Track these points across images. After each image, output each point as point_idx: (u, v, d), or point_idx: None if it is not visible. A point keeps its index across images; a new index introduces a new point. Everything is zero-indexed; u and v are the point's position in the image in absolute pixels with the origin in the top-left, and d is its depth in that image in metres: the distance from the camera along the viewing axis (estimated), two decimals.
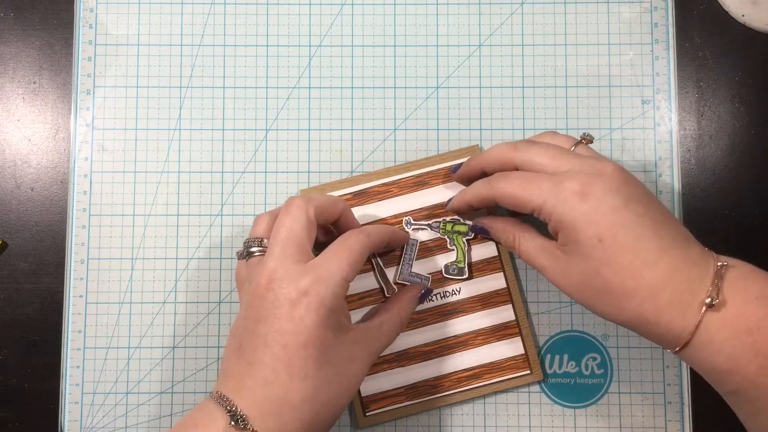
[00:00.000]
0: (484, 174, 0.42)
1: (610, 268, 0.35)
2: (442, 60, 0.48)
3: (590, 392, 0.46)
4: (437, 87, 0.48)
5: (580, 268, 0.36)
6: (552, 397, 0.46)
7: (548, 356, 0.46)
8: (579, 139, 0.40)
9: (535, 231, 0.40)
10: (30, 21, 0.48)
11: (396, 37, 0.48)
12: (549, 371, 0.46)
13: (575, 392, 0.46)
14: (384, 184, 0.46)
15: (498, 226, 0.42)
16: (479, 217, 0.44)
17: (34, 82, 0.48)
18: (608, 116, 0.47)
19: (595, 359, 0.46)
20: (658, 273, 0.34)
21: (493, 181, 0.39)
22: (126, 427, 0.46)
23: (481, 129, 0.47)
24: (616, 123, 0.47)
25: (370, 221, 0.45)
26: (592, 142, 0.40)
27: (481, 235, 0.44)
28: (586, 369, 0.46)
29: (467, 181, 0.44)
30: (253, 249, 0.39)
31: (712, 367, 0.34)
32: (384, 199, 0.45)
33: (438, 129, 0.47)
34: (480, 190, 0.41)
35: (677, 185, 0.47)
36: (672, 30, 0.48)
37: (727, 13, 0.48)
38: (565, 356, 0.46)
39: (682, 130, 0.48)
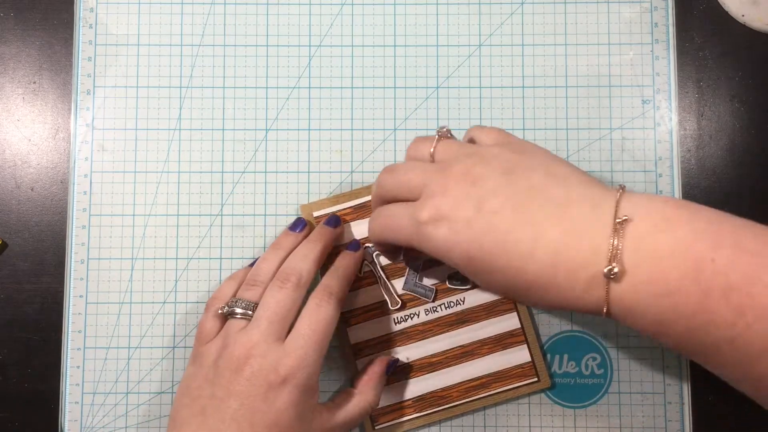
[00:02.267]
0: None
1: (494, 276, 0.33)
2: (442, 60, 0.48)
3: (590, 392, 0.46)
4: (437, 87, 0.48)
5: (482, 282, 0.35)
6: (552, 397, 0.46)
7: (548, 356, 0.46)
8: (436, 135, 0.38)
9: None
10: (30, 21, 0.48)
11: (396, 37, 0.48)
12: (549, 371, 0.46)
13: (575, 392, 0.46)
14: None
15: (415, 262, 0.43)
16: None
17: (34, 82, 0.48)
18: (608, 116, 0.47)
19: (595, 359, 0.46)
20: (540, 263, 0.31)
21: (372, 220, 0.39)
22: (126, 427, 0.46)
23: None
24: (616, 123, 0.47)
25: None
26: (449, 134, 0.38)
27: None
28: (586, 369, 0.46)
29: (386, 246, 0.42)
30: (238, 311, 0.39)
31: (642, 330, 0.32)
32: None
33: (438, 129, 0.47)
34: (370, 232, 0.40)
35: (677, 185, 0.47)
36: (672, 30, 0.48)
37: (727, 13, 0.48)
38: (565, 356, 0.46)
39: (682, 130, 0.48)
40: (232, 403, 0.36)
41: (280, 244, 0.43)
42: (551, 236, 0.31)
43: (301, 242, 0.43)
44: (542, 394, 0.45)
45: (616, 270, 0.30)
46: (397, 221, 0.36)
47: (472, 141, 0.39)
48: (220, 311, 0.40)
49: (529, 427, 0.46)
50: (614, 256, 0.30)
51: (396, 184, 0.37)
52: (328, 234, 0.43)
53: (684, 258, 0.29)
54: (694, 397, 0.45)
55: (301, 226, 0.44)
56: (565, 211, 0.32)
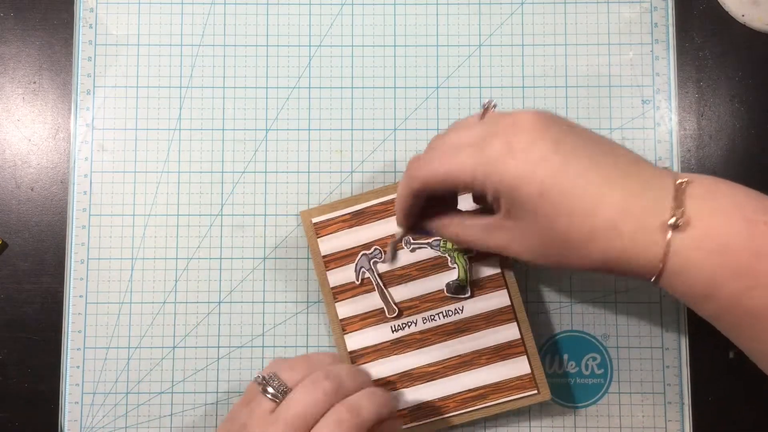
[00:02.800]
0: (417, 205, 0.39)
1: (561, 219, 0.32)
2: (442, 60, 0.48)
3: (590, 392, 0.46)
4: (437, 87, 0.48)
5: (533, 229, 0.34)
6: (552, 397, 0.46)
7: (548, 356, 0.46)
8: (483, 107, 0.37)
9: (471, 214, 0.38)
10: (30, 21, 0.48)
11: (396, 37, 0.48)
12: (549, 371, 0.46)
13: (575, 392, 0.46)
14: (383, 203, 0.45)
15: (436, 222, 0.40)
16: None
17: (34, 82, 0.48)
18: (608, 116, 0.47)
19: (595, 359, 0.46)
20: (612, 206, 0.32)
21: (411, 170, 0.36)
22: (126, 427, 0.46)
23: None
24: (616, 123, 0.47)
25: (370, 242, 0.45)
26: (495, 106, 0.37)
27: (422, 234, 0.42)
28: (586, 369, 0.46)
29: (413, 222, 0.41)
30: (269, 391, 0.37)
31: (690, 292, 0.32)
32: (383, 219, 0.45)
33: (438, 129, 0.47)
34: (404, 189, 0.37)
35: None
36: (672, 30, 0.48)
37: (727, 13, 0.48)
38: (565, 356, 0.46)
39: (682, 130, 0.48)
40: None
41: (343, 362, 0.41)
42: (623, 184, 0.32)
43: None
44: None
45: (681, 221, 0.31)
46: (457, 154, 0.34)
47: None
48: (255, 379, 0.38)
49: (529, 427, 0.46)
50: (679, 208, 0.31)
51: (454, 135, 0.35)
52: (393, 408, 0.40)
53: (737, 218, 0.30)
54: (694, 397, 0.45)
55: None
56: (636, 168, 0.33)
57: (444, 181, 0.35)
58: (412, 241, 0.45)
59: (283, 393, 0.37)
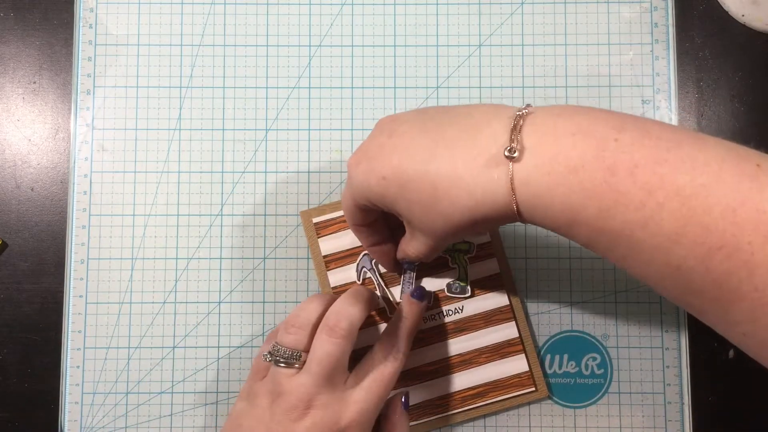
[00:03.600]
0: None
1: (408, 194, 0.33)
2: (442, 60, 0.48)
3: (590, 392, 0.46)
4: (437, 87, 0.48)
5: (403, 209, 0.34)
6: (552, 397, 0.46)
7: (548, 356, 0.46)
8: None
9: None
10: (30, 21, 0.48)
11: (396, 37, 0.48)
12: (549, 371, 0.46)
13: (575, 392, 0.46)
14: None
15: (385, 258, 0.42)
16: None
17: (34, 82, 0.48)
18: None
19: (595, 359, 0.46)
20: (440, 160, 0.32)
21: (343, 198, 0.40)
22: (126, 427, 0.46)
23: None
24: None
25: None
26: None
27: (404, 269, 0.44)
28: (586, 369, 0.46)
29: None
30: (281, 362, 0.37)
31: (553, 222, 0.30)
32: None
33: None
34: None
35: None
36: (672, 30, 0.48)
37: (727, 13, 0.48)
38: (565, 356, 0.46)
39: None
40: None
41: (322, 295, 0.42)
42: (450, 134, 0.32)
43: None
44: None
45: (515, 147, 0.30)
46: (343, 195, 0.38)
47: None
48: (264, 359, 0.39)
49: (529, 427, 0.46)
50: (512, 138, 0.30)
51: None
52: (366, 293, 0.41)
53: (584, 136, 0.29)
54: (694, 397, 0.45)
55: (423, 298, 0.43)
56: (468, 123, 0.32)
57: (351, 217, 0.39)
58: None
59: (295, 357, 0.37)
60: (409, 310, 0.41)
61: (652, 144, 0.28)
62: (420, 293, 0.42)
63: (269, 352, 0.38)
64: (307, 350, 0.37)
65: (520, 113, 0.31)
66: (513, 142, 0.30)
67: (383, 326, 0.45)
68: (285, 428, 0.36)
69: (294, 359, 0.37)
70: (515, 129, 0.30)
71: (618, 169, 0.28)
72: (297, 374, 0.37)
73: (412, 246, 0.37)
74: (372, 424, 0.38)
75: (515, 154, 0.30)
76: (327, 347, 0.37)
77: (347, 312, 0.38)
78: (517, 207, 0.31)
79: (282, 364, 0.37)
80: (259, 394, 0.38)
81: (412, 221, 0.35)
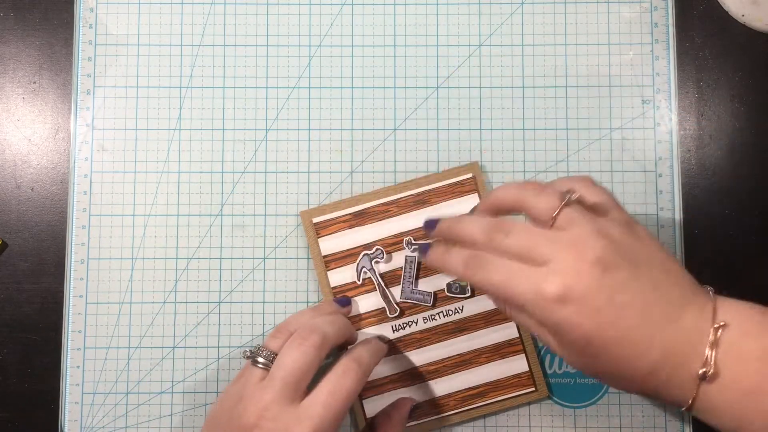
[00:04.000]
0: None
1: (603, 361, 0.34)
2: (442, 60, 0.48)
3: (590, 392, 0.46)
4: (437, 87, 0.48)
5: (575, 358, 0.35)
6: (552, 397, 0.46)
7: (548, 356, 0.46)
8: (566, 197, 0.35)
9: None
10: (30, 21, 0.48)
11: (396, 37, 0.48)
12: (549, 371, 0.46)
13: (575, 392, 0.46)
14: (384, 204, 0.45)
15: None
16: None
17: (34, 82, 0.48)
18: (608, 116, 0.47)
19: None
20: (651, 359, 0.33)
21: (470, 267, 0.36)
22: (126, 427, 0.46)
23: (481, 129, 0.47)
24: (616, 123, 0.47)
25: (370, 242, 0.45)
26: (577, 198, 0.36)
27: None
28: None
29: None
30: (260, 360, 0.38)
31: (720, 426, 0.34)
32: (384, 219, 0.45)
33: (438, 129, 0.47)
34: (453, 268, 0.38)
35: (677, 185, 0.47)
36: (672, 30, 0.48)
37: (727, 13, 0.48)
38: None
39: (682, 130, 0.48)
40: None
41: (321, 308, 0.43)
42: (666, 336, 0.33)
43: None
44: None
45: (709, 372, 0.32)
46: (512, 283, 0.34)
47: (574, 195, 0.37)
48: (244, 354, 0.40)
49: (529, 427, 0.46)
50: (709, 362, 0.33)
51: (515, 245, 0.35)
52: (349, 324, 0.43)
53: (766, 362, 0.32)
54: None
55: (347, 304, 0.44)
56: (680, 314, 0.34)
57: (495, 295, 0.36)
58: (413, 241, 0.45)
59: (272, 360, 0.38)
60: (375, 340, 0.42)
61: None
62: (387, 339, 0.44)
63: (250, 351, 0.39)
64: None
65: (717, 326, 0.33)
66: (708, 366, 0.32)
67: (380, 327, 0.45)
68: None
69: (270, 360, 0.38)
70: (712, 345, 0.33)
71: None
72: (263, 379, 0.37)
73: (542, 340, 0.37)
74: None
75: (708, 376, 0.33)
76: (294, 353, 0.37)
77: (323, 328, 0.39)
78: (688, 408, 0.34)
79: (259, 365, 0.38)
80: (230, 394, 0.38)
81: (577, 364, 0.36)
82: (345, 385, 0.37)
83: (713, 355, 0.33)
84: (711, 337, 0.33)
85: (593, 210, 0.36)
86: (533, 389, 0.44)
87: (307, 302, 0.46)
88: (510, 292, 0.35)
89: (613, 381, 0.35)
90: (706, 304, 0.34)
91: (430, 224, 0.40)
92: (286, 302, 0.46)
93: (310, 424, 0.35)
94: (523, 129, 0.47)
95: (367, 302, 0.45)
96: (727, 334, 0.33)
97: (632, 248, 0.35)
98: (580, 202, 0.36)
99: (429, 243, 0.40)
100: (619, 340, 0.33)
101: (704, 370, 0.32)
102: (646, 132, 0.47)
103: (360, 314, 0.45)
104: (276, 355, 0.38)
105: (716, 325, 0.33)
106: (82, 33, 0.48)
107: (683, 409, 0.34)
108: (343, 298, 0.44)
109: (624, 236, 0.35)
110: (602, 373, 0.35)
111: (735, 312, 0.34)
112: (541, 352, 0.46)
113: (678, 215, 0.47)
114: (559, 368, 0.46)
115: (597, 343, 0.33)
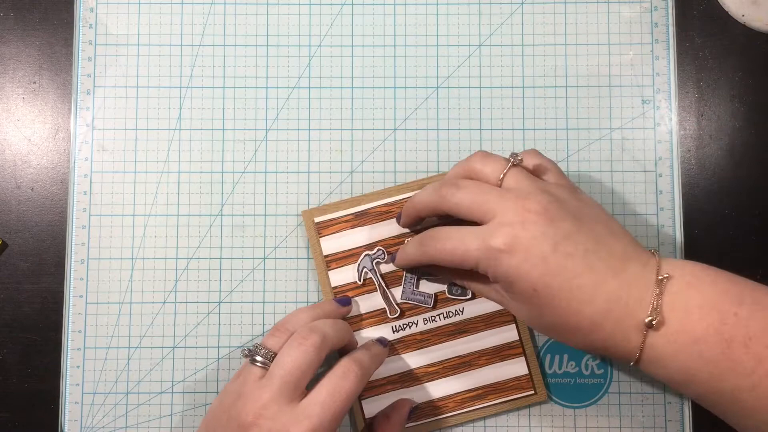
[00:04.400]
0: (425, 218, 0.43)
1: (550, 311, 0.35)
2: (442, 60, 0.48)
3: (590, 392, 0.46)
4: (437, 87, 0.48)
5: (525, 310, 0.37)
6: (552, 397, 0.46)
7: (548, 356, 0.46)
8: (509, 161, 0.38)
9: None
10: (30, 21, 0.48)
11: (396, 37, 0.48)
12: (549, 371, 0.46)
13: (575, 392, 0.46)
14: (385, 205, 0.45)
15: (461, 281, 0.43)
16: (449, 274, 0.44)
17: (34, 82, 0.48)
18: (608, 116, 0.47)
19: (595, 359, 0.46)
20: (596, 308, 0.34)
21: (425, 243, 0.39)
22: (126, 427, 0.46)
23: (481, 129, 0.47)
24: (616, 123, 0.47)
25: (372, 242, 0.45)
26: (521, 162, 0.39)
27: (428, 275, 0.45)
28: (586, 369, 0.46)
29: (412, 226, 0.44)
30: (258, 359, 0.38)
31: (668, 378, 0.35)
32: (386, 220, 0.45)
33: (438, 129, 0.47)
34: (412, 252, 0.41)
35: (677, 185, 0.47)
36: (672, 30, 0.48)
37: (727, 13, 0.48)
38: (565, 356, 0.46)
39: (682, 130, 0.48)
40: None
41: (321, 307, 0.43)
42: (610, 287, 0.35)
43: (340, 317, 0.44)
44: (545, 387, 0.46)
45: (655, 320, 0.34)
46: (463, 244, 0.37)
47: (527, 168, 0.40)
48: (242, 352, 0.39)
49: (529, 426, 0.46)
50: (655, 309, 0.34)
51: (466, 200, 0.37)
52: (349, 328, 0.43)
53: (710, 311, 0.33)
54: None
55: (347, 304, 0.44)
56: (623, 266, 0.35)
57: (450, 261, 0.38)
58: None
59: (271, 358, 0.38)
60: (374, 345, 0.42)
61: (765, 316, 0.33)
62: (383, 341, 0.44)
63: (248, 349, 0.39)
64: None
65: (662, 278, 0.34)
66: (654, 312, 0.34)
67: (380, 327, 0.45)
68: None
69: (268, 359, 0.38)
70: (657, 296, 0.34)
71: (734, 341, 0.32)
72: (261, 379, 0.37)
73: (496, 299, 0.41)
74: None
75: (654, 324, 0.34)
76: (294, 353, 0.37)
77: (324, 329, 0.39)
78: (636, 361, 0.35)
79: (258, 363, 0.38)
80: (228, 392, 0.38)
81: (526, 318, 0.38)
82: (345, 387, 0.37)
83: (660, 303, 0.34)
84: (656, 289, 0.34)
85: (536, 172, 0.39)
86: (532, 392, 0.44)
87: (307, 302, 0.46)
88: (463, 253, 0.37)
89: (559, 334, 0.36)
90: (649, 259, 0.36)
91: (398, 217, 0.44)
92: (286, 302, 0.46)
93: (309, 424, 0.35)
94: (523, 129, 0.47)
95: (367, 303, 0.45)
96: (671, 285, 0.34)
97: (575, 206, 0.37)
98: (524, 166, 0.39)
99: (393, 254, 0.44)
100: (564, 289, 0.34)
101: (650, 318, 0.34)
102: (646, 132, 0.47)
103: (360, 314, 0.45)
104: (275, 354, 0.38)
105: (660, 277, 0.34)
106: (82, 33, 0.48)
107: (632, 364, 0.35)
108: (343, 297, 0.44)
109: (567, 195, 0.37)
110: (549, 326, 0.36)
111: (678, 267, 0.35)
112: (541, 353, 0.46)
113: (678, 215, 0.47)
114: (559, 368, 0.46)
115: (543, 292, 0.35)
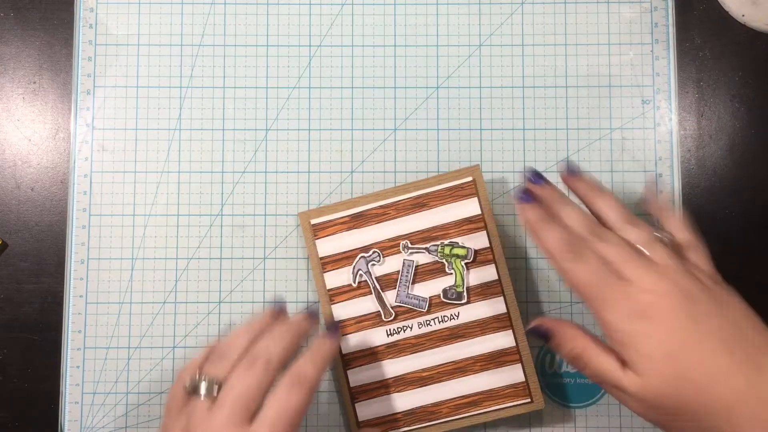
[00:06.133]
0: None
1: (683, 383, 0.34)
2: (442, 60, 0.48)
3: (590, 392, 0.46)
4: (437, 87, 0.48)
5: (652, 385, 0.35)
6: (552, 397, 0.46)
7: (548, 356, 0.46)
8: (660, 237, 0.37)
9: (602, 344, 0.37)
10: (30, 21, 0.48)
11: (396, 37, 0.48)
12: (549, 371, 0.46)
13: (575, 392, 0.46)
14: (382, 207, 0.45)
15: (565, 332, 0.39)
16: (541, 317, 0.40)
17: (34, 82, 0.48)
18: (608, 116, 0.47)
19: None
20: (733, 389, 0.33)
21: (567, 253, 0.37)
22: (126, 427, 0.46)
23: (481, 129, 0.47)
24: (616, 123, 0.47)
25: (368, 245, 0.45)
26: (670, 240, 0.38)
27: (539, 337, 0.40)
28: None
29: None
30: (202, 390, 0.36)
31: None
32: (381, 222, 0.45)
33: (438, 129, 0.47)
34: (552, 245, 0.37)
35: (677, 185, 0.47)
36: (672, 30, 0.48)
37: (727, 13, 0.48)
38: None
39: (682, 130, 0.48)
40: None
41: (256, 322, 0.41)
42: (747, 370, 0.33)
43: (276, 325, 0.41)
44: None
45: None
46: (603, 285, 0.36)
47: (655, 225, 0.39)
48: (184, 386, 0.37)
49: (529, 426, 0.46)
50: None
51: (609, 252, 0.36)
52: (304, 325, 0.41)
53: None
54: None
55: (280, 310, 0.43)
56: (762, 360, 0.34)
57: (576, 287, 0.36)
58: (410, 245, 0.45)
59: (216, 387, 0.37)
60: (320, 345, 0.40)
61: None
62: (333, 328, 0.43)
63: (190, 380, 0.37)
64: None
65: None
66: None
67: (375, 330, 0.44)
68: None
69: (213, 389, 0.36)
70: None
71: None
72: (210, 408, 0.36)
73: (607, 372, 0.37)
74: None
75: None
76: (244, 379, 0.36)
77: (268, 351, 0.38)
78: None
79: (202, 394, 0.36)
80: (171, 428, 0.37)
81: (644, 387, 0.35)
82: (291, 403, 0.36)
83: None
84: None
85: (679, 247, 0.38)
86: (529, 400, 0.44)
87: (307, 302, 0.46)
88: (596, 292, 0.36)
89: (686, 416, 0.34)
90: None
91: (538, 177, 0.40)
92: (285, 302, 0.46)
93: None
94: (523, 129, 0.47)
95: (361, 305, 0.44)
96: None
97: (717, 291, 0.36)
98: (671, 243, 0.37)
99: (528, 192, 0.40)
100: (703, 362, 0.33)
101: None
102: (646, 132, 0.47)
103: (355, 317, 0.45)
104: (219, 380, 0.37)
105: None
106: (82, 33, 0.48)
107: None
108: (333, 325, 0.44)
109: (709, 281, 0.36)
110: (677, 407, 0.34)
111: None
112: (541, 353, 0.46)
113: (678, 215, 0.47)
114: (559, 368, 0.46)
115: (680, 359, 0.34)
